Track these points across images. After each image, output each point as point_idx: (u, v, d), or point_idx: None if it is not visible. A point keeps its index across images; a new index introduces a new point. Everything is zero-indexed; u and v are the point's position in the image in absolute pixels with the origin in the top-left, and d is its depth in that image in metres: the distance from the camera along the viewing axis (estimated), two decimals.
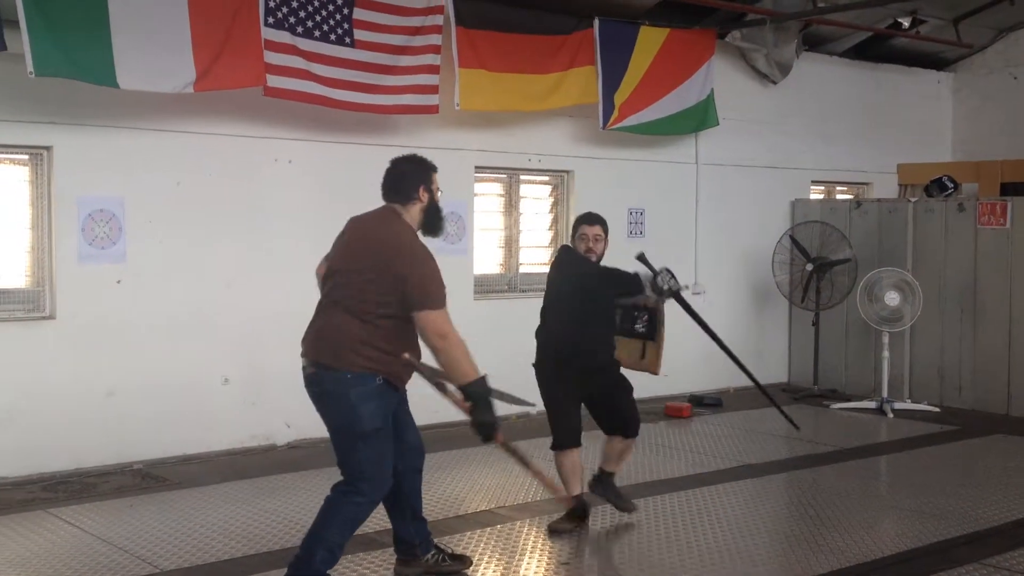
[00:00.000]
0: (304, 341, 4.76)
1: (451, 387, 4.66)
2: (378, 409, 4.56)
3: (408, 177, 4.78)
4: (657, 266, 5.93)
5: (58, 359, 6.93)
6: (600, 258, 5.91)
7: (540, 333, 5.91)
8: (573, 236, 5.98)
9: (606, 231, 5.94)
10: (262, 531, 5.75)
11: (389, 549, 5.41)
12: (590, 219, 5.93)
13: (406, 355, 4.55)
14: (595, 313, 5.81)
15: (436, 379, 4.69)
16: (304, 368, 4.71)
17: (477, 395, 4.52)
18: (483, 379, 4.54)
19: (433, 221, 4.82)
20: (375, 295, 4.53)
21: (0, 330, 6.76)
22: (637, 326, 6.06)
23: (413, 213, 4.75)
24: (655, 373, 6.28)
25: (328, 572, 4.56)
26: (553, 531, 5.78)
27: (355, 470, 4.57)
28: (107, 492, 6.53)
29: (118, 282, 7.14)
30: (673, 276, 5.91)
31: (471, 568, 5.19)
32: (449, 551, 5.19)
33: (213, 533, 5.70)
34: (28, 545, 5.48)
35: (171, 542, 5.54)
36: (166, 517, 5.99)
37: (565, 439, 5.79)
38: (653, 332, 6.14)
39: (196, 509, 6.16)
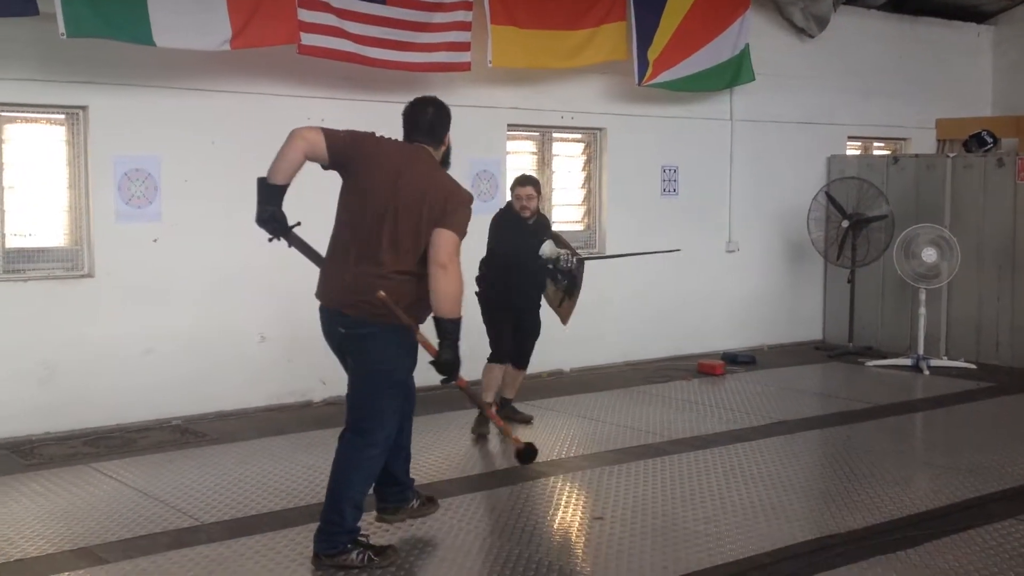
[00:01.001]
0: (339, 284, 4.72)
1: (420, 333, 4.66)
2: (411, 363, 4.71)
3: (440, 123, 4.89)
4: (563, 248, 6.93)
5: (97, 317, 7.03)
6: (534, 213, 6.93)
7: (490, 271, 6.91)
8: (511, 195, 7.00)
9: (538, 191, 6.97)
10: (299, 486, 5.83)
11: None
12: (522, 181, 6.97)
13: (381, 293, 4.48)
14: (528, 265, 6.87)
15: (407, 321, 4.58)
16: (337, 308, 4.68)
17: (448, 332, 4.51)
18: (459, 321, 4.52)
19: (446, 164, 4.96)
20: (423, 240, 4.53)
21: (40, 288, 6.85)
22: (560, 280, 7.03)
23: (438, 155, 4.88)
24: (563, 323, 7.28)
25: (358, 527, 4.67)
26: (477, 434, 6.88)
27: (375, 416, 4.62)
28: (147, 447, 6.65)
29: (154, 241, 7.21)
30: (571, 258, 6.87)
31: (507, 520, 5.24)
32: (424, 495, 5.36)
33: (251, 487, 5.79)
34: (72, 499, 5.59)
35: (210, 496, 5.64)
36: (205, 472, 6.08)
37: (501, 356, 6.95)
38: (571, 290, 7.08)
39: (234, 464, 6.26)
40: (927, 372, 9.41)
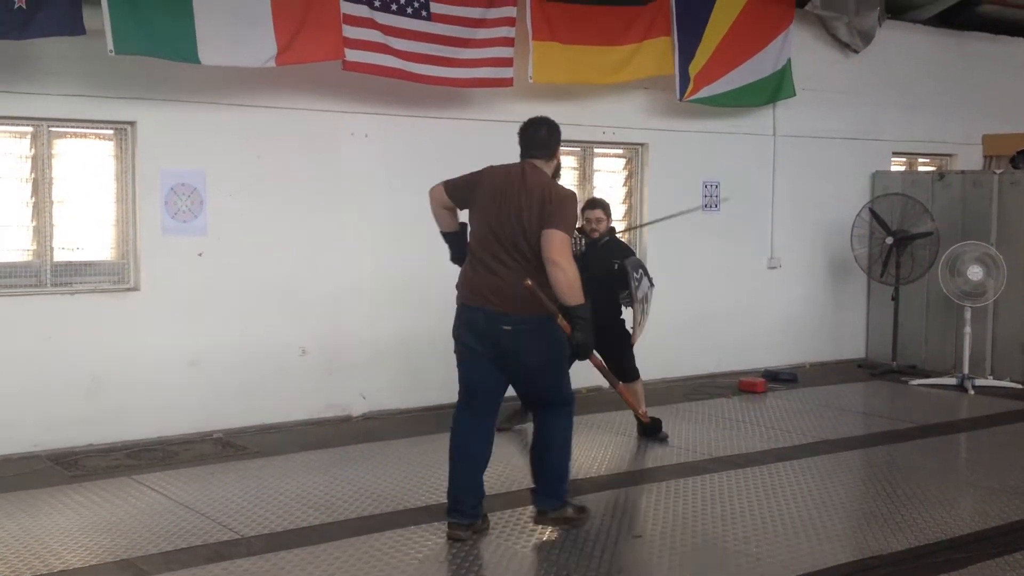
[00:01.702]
0: (483, 288, 5.19)
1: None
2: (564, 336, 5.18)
3: (552, 139, 5.52)
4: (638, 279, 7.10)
5: (142, 330, 7.12)
6: (603, 234, 7.18)
7: None
8: (580, 217, 7.10)
9: (607, 213, 7.24)
10: (339, 500, 5.85)
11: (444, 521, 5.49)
12: (591, 204, 7.29)
13: (528, 281, 5.02)
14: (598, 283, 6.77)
15: (551, 307, 5.07)
16: (489, 310, 5.14)
17: (578, 317, 5.03)
18: (585, 305, 5.03)
19: (557, 178, 5.61)
20: (534, 243, 5.09)
21: (86, 301, 6.96)
22: (624, 297, 7.18)
23: (549, 168, 5.46)
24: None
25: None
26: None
27: (563, 392, 5.36)
28: (189, 460, 6.71)
29: (200, 255, 7.30)
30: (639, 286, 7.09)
31: (541, 538, 5.24)
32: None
33: (292, 501, 5.83)
34: (114, 511, 5.66)
35: (252, 509, 5.68)
36: (246, 485, 6.13)
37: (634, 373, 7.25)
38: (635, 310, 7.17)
39: (275, 477, 6.30)
40: (972, 391, 9.28)
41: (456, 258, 5.63)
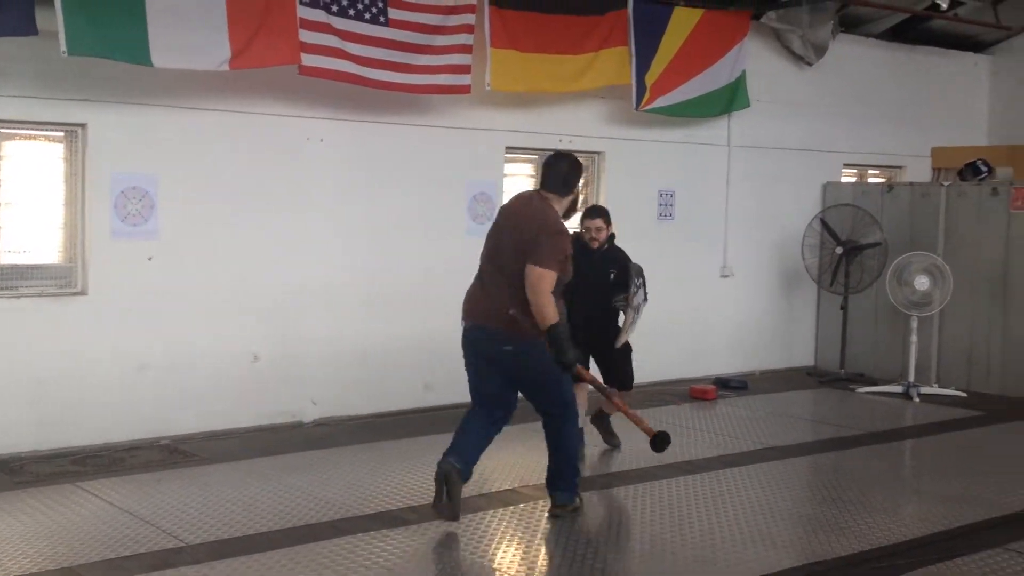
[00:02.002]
0: (485, 315, 5.61)
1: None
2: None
3: (573, 172, 5.79)
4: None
5: (89, 335, 7.03)
6: (603, 243, 7.03)
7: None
8: (580, 226, 7.05)
9: (607, 222, 7.06)
10: (287, 507, 5.82)
11: (413, 526, 5.50)
12: (591, 213, 7.11)
13: (511, 311, 5.44)
14: (596, 291, 6.98)
15: (530, 330, 5.50)
16: (490, 330, 5.58)
17: (554, 337, 5.38)
18: (558, 324, 5.37)
19: (570, 214, 5.90)
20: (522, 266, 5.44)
21: (33, 305, 6.87)
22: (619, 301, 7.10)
23: (564, 203, 5.75)
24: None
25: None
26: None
27: (565, 398, 5.69)
28: (135, 466, 6.64)
29: (149, 259, 7.23)
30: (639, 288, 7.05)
31: (492, 548, 5.25)
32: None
33: (239, 508, 5.78)
34: (57, 518, 5.58)
35: (197, 517, 5.63)
36: (192, 492, 6.07)
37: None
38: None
39: (222, 484, 6.25)
40: (917, 400, 9.43)
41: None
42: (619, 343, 7.01)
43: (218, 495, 6.02)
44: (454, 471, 5.60)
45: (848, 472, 6.98)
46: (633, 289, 6.94)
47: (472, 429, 5.77)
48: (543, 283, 5.36)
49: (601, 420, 7.34)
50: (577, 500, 5.82)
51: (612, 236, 7.14)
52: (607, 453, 7.22)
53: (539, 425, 5.79)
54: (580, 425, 6.49)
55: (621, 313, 7.09)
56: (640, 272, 7.06)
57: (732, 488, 6.42)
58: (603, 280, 6.95)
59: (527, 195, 5.89)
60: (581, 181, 5.88)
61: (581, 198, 6.18)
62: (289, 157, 7.81)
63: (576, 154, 9.30)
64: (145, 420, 7.22)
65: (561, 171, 5.75)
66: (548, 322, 5.36)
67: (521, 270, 5.42)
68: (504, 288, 5.52)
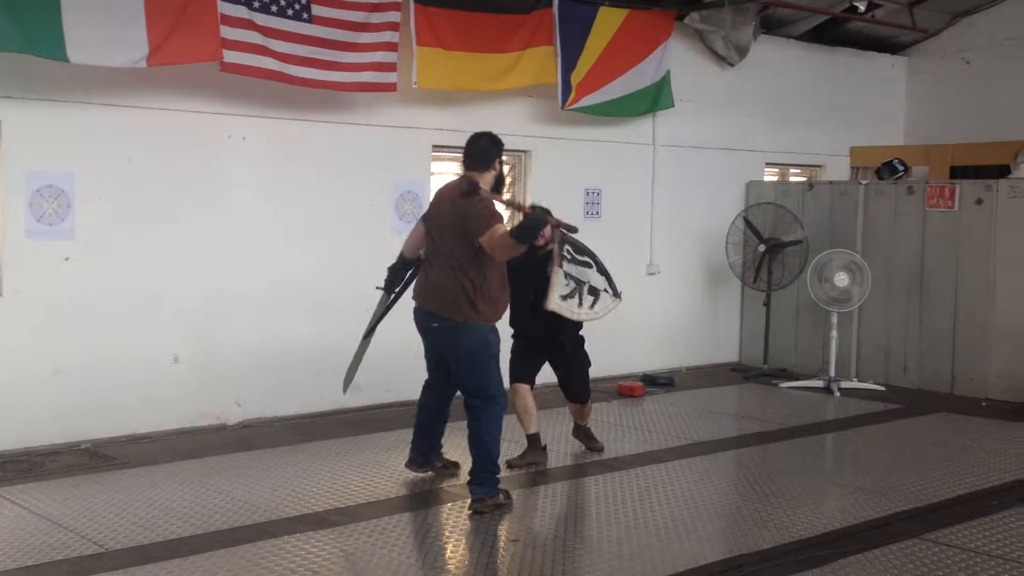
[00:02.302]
0: (421, 294, 5.97)
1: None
2: (498, 339, 5.90)
3: (489, 150, 6.01)
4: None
5: (4, 337, 6.84)
6: (548, 244, 6.50)
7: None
8: None
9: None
10: (210, 511, 5.74)
11: (340, 527, 5.46)
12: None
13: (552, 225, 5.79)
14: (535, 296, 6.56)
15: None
16: (423, 308, 5.93)
17: (523, 230, 5.58)
18: (519, 229, 5.57)
19: (499, 188, 6.08)
20: (471, 248, 5.68)
21: None
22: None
23: (487, 178, 5.93)
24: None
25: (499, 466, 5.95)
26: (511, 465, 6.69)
27: (491, 384, 5.84)
28: (54, 471, 6.48)
29: (66, 259, 7.06)
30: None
31: (417, 548, 5.24)
32: (448, 460, 6.54)
33: (161, 513, 5.68)
34: None
35: (118, 522, 5.52)
36: (113, 497, 5.95)
37: (512, 375, 6.87)
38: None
39: (144, 489, 6.13)
40: (838, 394, 9.63)
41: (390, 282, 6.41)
42: (547, 304, 6.26)
43: (140, 499, 5.91)
44: (411, 462, 6.32)
45: (771, 466, 7.10)
46: (562, 253, 6.30)
47: (421, 407, 6.29)
48: (496, 243, 5.57)
49: (579, 431, 7.29)
50: (500, 496, 5.87)
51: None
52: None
53: (458, 425, 5.88)
54: (535, 431, 6.78)
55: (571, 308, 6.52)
56: (585, 250, 6.40)
57: (659, 484, 6.48)
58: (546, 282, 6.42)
59: (455, 179, 6.14)
60: (501, 156, 6.07)
61: (508, 175, 6.29)
62: (211, 155, 7.69)
63: (504, 152, 9.52)
64: (65, 424, 7.05)
65: (480, 148, 6.00)
66: (520, 246, 5.59)
67: (461, 247, 5.69)
68: (447, 270, 5.78)
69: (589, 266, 6.37)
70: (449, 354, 5.93)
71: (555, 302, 6.13)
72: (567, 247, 6.24)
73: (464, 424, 6.00)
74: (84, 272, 7.12)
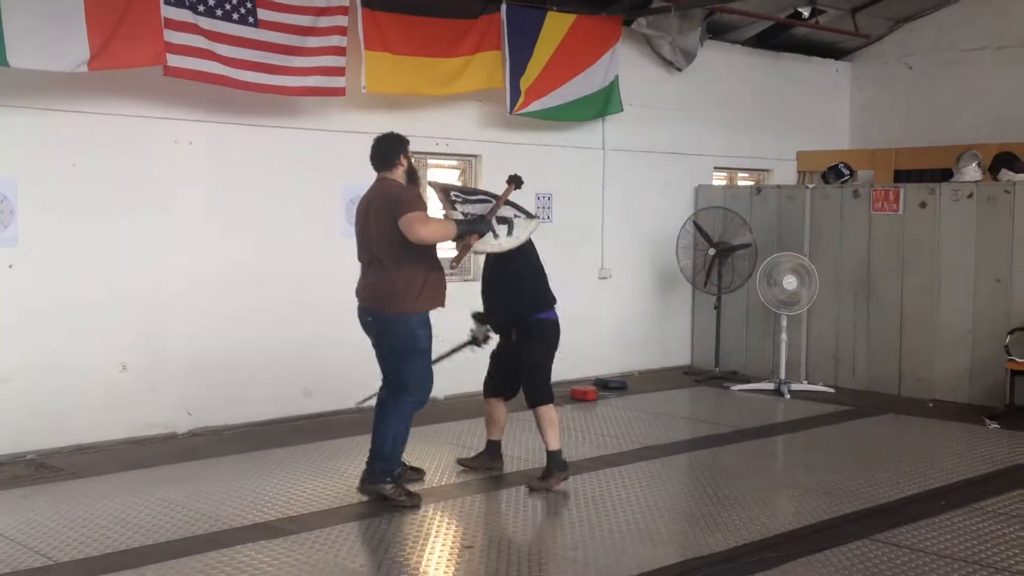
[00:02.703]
0: (359, 293, 6.15)
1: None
2: (428, 334, 6.07)
3: (389, 151, 6.20)
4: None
5: None
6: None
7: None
8: None
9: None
10: (160, 521, 5.65)
11: (292, 536, 5.40)
12: None
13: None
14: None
15: (463, 256, 6.27)
16: (361, 306, 6.15)
17: (464, 231, 6.09)
18: (458, 225, 6.05)
19: (412, 180, 6.27)
20: (401, 240, 5.85)
21: None
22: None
23: (398, 175, 6.18)
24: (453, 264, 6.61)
25: (397, 459, 6.11)
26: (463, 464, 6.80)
27: (410, 378, 6.04)
28: (0, 482, 6.37)
29: (10, 266, 6.92)
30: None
31: (369, 555, 5.20)
32: (407, 464, 6.50)
33: (109, 524, 5.59)
34: None
35: (66, 533, 5.42)
36: (61, 508, 5.85)
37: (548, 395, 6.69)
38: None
39: (92, 499, 6.03)
40: (788, 396, 9.73)
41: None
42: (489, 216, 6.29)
43: (87, 511, 5.81)
44: (361, 484, 6.15)
45: (724, 468, 7.15)
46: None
47: (378, 405, 6.20)
48: (420, 224, 5.81)
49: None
50: (388, 487, 5.99)
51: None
52: (452, 462, 7.10)
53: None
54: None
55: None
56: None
57: (612, 488, 6.50)
58: (507, 278, 6.52)
59: (373, 185, 6.26)
60: (406, 151, 6.22)
61: (419, 168, 6.48)
62: (156, 160, 7.59)
63: (455, 157, 9.55)
64: (9, 434, 6.91)
65: (383, 148, 6.22)
66: (452, 232, 5.99)
67: (390, 246, 5.91)
68: (378, 269, 6.01)
69: (487, 201, 6.44)
70: (381, 344, 6.14)
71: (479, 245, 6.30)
72: (454, 193, 6.48)
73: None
74: (28, 279, 6.99)
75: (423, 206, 6.01)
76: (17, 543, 5.24)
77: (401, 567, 5.07)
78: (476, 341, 6.92)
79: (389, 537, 5.53)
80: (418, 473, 6.57)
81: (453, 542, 5.48)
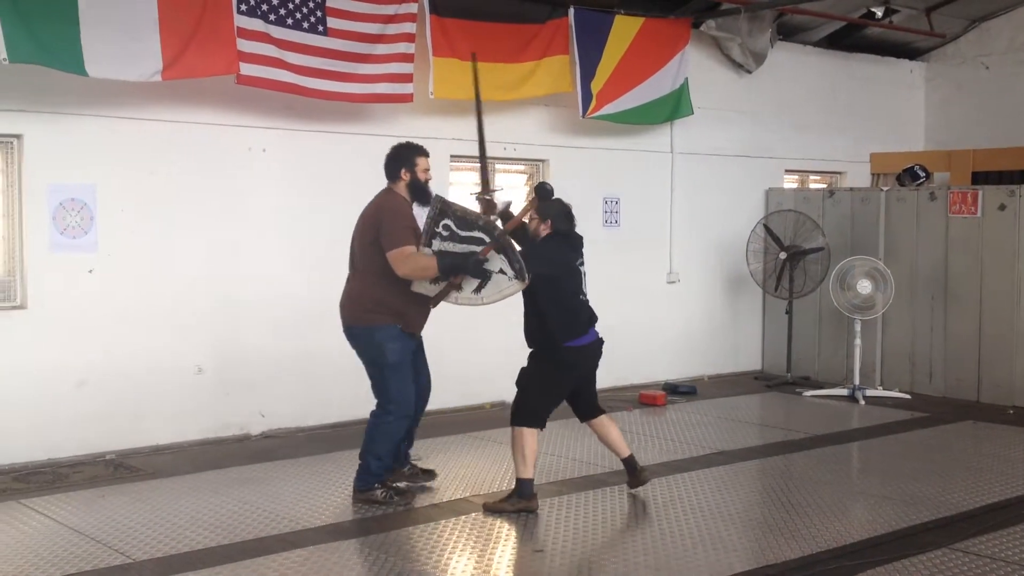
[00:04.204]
0: (341, 305, 6.15)
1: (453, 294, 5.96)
2: (399, 348, 5.96)
3: (393, 161, 6.14)
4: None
5: (29, 349, 6.88)
6: (534, 237, 6.24)
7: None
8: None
9: (541, 216, 6.21)
10: (235, 521, 5.74)
11: (364, 538, 5.45)
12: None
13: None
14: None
15: (444, 296, 5.96)
16: (343, 319, 6.14)
17: (446, 269, 5.82)
18: (440, 260, 5.77)
19: (418, 195, 6.10)
20: (380, 257, 5.84)
21: None
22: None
23: (401, 188, 6.10)
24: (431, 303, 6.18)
25: (383, 474, 6.08)
26: (489, 510, 6.01)
27: (385, 395, 6.00)
28: (79, 482, 6.50)
29: (90, 271, 7.10)
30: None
31: (443, 558, 5.22)
32: (420, 466, 6.54)
33: (186, 523, 5.69)
34: (1, 536, 5.45)
35: (144, 532, 5.53)
36: (138, 507, 5.97)
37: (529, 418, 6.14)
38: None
39: (169, 499, 6.15)
40: (863, 402, 9.55)
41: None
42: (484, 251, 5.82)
43: (165, 510, 5.92)
44: (353, 497, 6.19)
45: (797, 475, 7.05)
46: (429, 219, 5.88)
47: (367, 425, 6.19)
48: (401, 262, 5.79)
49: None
50: (377, 492, 6.03)
51: (550, 235, 6.15)
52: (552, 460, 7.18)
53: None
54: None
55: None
56: (507, 247, 5.80)
57: (682, 493, 6.44)
58: (538, 307, 6.03)
59: (379, 192, 6.22)
60: (412, 164, 6.08)
61: (429, 179, 6.11)
62: (230, 167, 7.72)
63: (522, 161, 9.56)
64: (89, 435, 7.07)
65: (386, 159, 6.18)
66: (432, 271, 5.80)
67: (369, 261, 5.92)
68: (356, 282, 6.06)
69: (479, 242, 5.82)
70: (361, 358, 6.12)
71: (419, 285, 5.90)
72: (447, 222, 5.84)
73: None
74: (108, 284, 7.15)
75: (408, 238, 5.84)
76: (97, 541, 5.36)
77: (473, 570, 5.07)
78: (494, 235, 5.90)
79: (460, 540, 5.54)
80: (428, 476, 6.55)
81: (523, 546, 5.48)
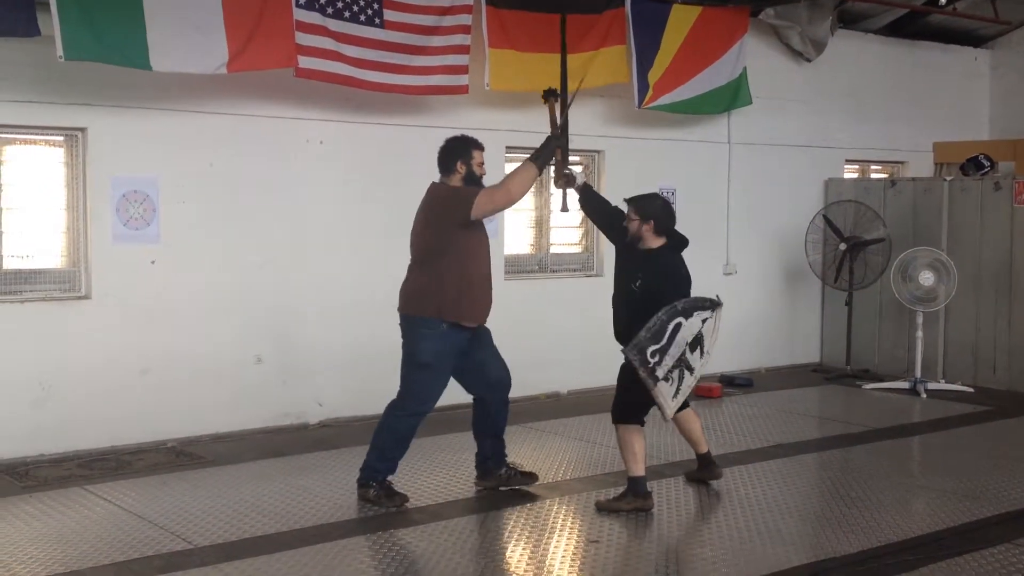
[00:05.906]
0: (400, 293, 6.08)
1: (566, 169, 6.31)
2: (436, 350, 5.83)
3: (448, 154, 6.04)
4: None
5: (93, 338, 7.02)
6: (635, 238, 6.16)
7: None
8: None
9: (638, 213, 6.10)
10: (294, 508, 5.81)
11: (421, 526, 5.49)
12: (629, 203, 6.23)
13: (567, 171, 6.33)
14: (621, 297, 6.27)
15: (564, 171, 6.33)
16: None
17: (542, 159, 6.10)
18: (532, 156, 6.00)
19: (475, 184, 5.98)
20: (434, 242, 5.81)
21: (36, 309, 6.86)
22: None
23: (455, 181, 5.98)
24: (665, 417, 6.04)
25: (387, 471, 5.91)
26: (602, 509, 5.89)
27: (409, 388, 5.93)
28: (142, 469, 6.63)
29: (152, 262, 7.22)
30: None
31: (501, 548, 5.23)
32: (518, 468, 6.26)
33: (246, 510, 5.77)
34: (66, 521, 5.58)
35: (205, 519, 5.62)
36: (199, 494, 6.07)
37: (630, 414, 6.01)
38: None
39: (229, 486, 6.24)
40: (924, 395, 9.40)
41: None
42: (667, 414, 5.85)
43: (226, 497, 6.02)
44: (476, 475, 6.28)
45: (856, 468, 6.96)
46: (644, 333, 5.60)
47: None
48: (491, 197, 5.79)
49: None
50: (372, 491, 5.86)
51: (665, 244, 6.12)
52: (579, 456, 7.14)
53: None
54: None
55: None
56: (677, 313, 5.70)
57: (740, 486, 6.40)
58: (627, 285, 6.04)
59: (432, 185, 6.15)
60: (468, 157, 6.00)
61: (483, 174, 6.06)
62: (289, 159, 7.80)
63: (578, 153, 9.53)
64: (151, 423, 7.21)
65: (440, 152, 6.08)
66: (531, 172, 5.92)
67: (424, 249, 5.86)
68: (415, 271, 5.97)
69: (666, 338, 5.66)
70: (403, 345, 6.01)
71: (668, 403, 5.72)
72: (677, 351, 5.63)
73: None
74: (169, 275, 7.28)
75: (480, 192, 5.81)
76: (160, 527, 5.47)
77: (528, 560, 5.09)
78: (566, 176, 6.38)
79: (515, 529, 5.56)
80: (527, 479, 6.23)
81: (579, 536, 5.48)
